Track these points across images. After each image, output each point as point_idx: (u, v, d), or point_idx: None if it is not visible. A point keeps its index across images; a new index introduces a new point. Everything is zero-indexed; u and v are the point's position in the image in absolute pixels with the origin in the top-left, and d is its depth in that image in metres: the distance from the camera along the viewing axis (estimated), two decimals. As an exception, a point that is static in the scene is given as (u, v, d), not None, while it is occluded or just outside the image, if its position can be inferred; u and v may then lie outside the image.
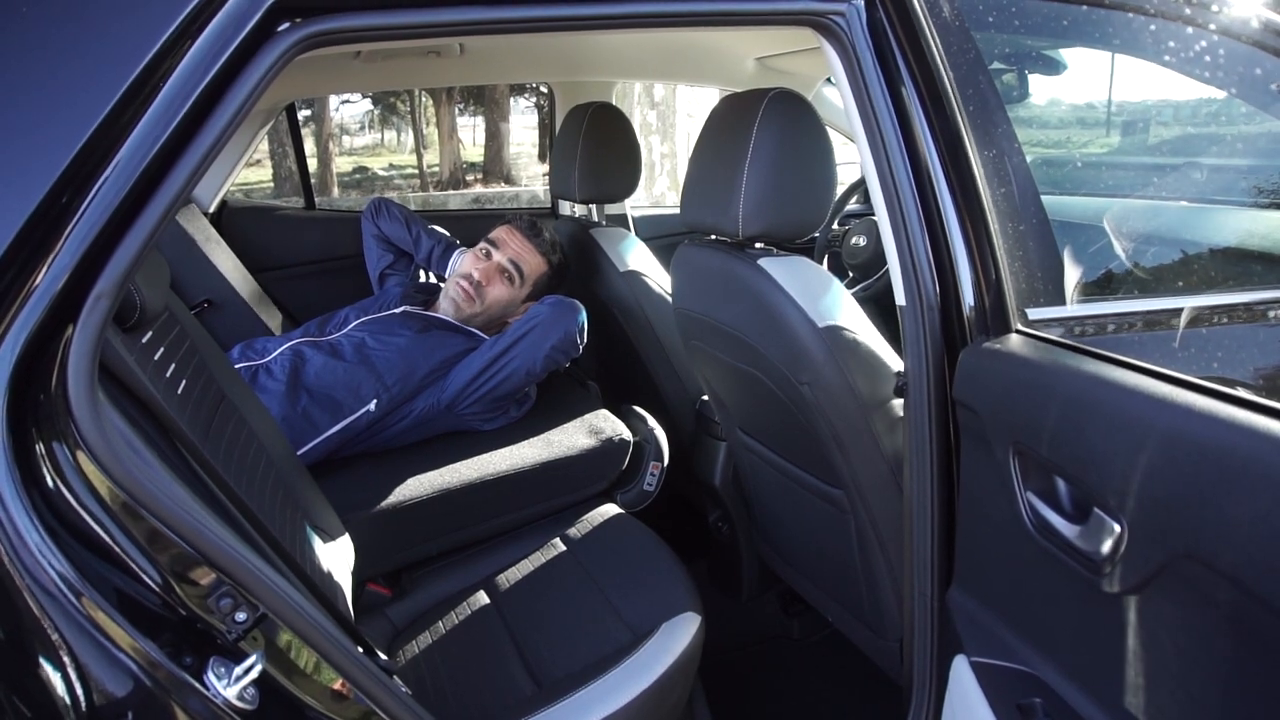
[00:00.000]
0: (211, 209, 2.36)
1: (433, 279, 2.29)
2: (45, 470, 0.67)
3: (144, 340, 0.97)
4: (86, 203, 0.67)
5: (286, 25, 0.77)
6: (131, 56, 0.68)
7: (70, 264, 0.67)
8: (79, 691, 0.65)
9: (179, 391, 1.01)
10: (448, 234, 2.24)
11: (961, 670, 1.03)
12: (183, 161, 0.72)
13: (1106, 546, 0.78)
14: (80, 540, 0.68)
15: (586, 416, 1.85)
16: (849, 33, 1.02)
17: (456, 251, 2.16)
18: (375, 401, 1.67)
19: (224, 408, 1.15)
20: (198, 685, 0.70)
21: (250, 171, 8.58)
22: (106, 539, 0.69)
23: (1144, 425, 0.75)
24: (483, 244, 2.00)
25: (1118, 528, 0.77)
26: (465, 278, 1.94)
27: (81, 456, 0.68)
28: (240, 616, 0.76)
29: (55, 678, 0.65)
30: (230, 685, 0.72)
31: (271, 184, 8.63)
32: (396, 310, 1.92)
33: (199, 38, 0.71)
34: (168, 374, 1.00)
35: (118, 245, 0.69)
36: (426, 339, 1.81)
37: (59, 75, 0.67)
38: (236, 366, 1.70)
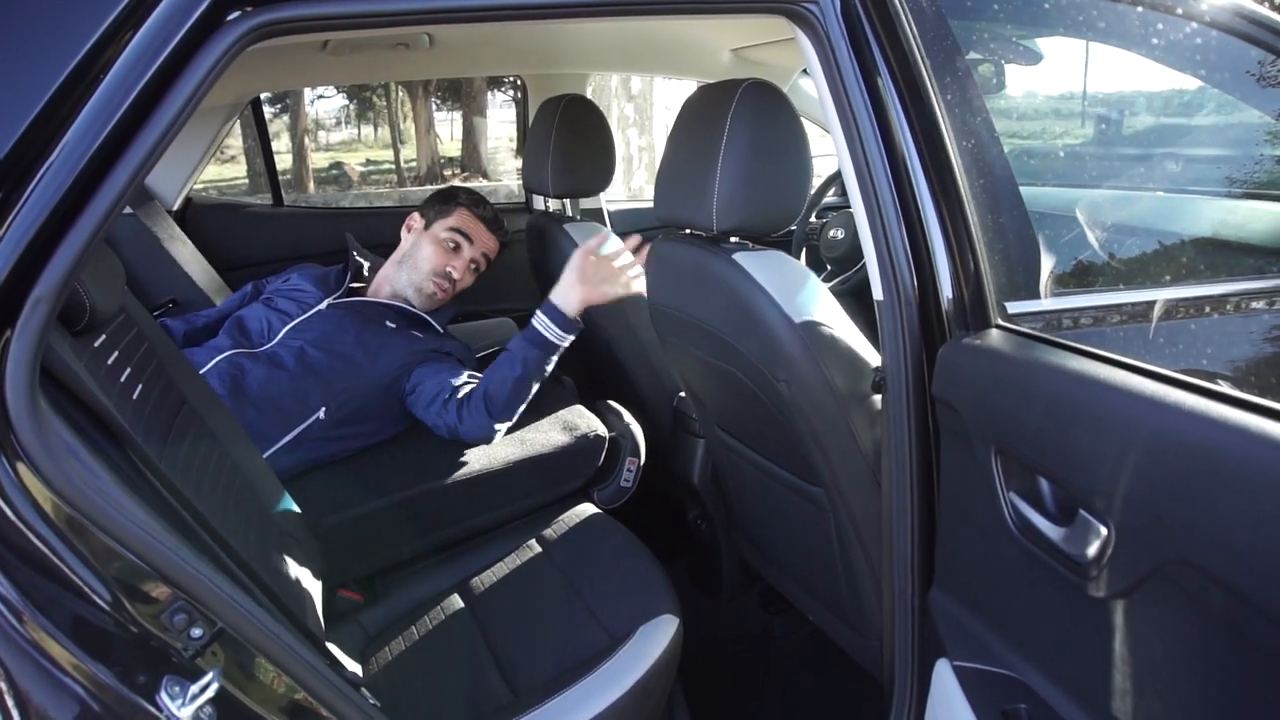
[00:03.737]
0: (176, 206, 2.31)
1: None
2: None
3: (96, 344, 0.93)
4: (23, 199, 0.64)
5: (236, 15, 0.74)
6: (70, 44, 0.65)
7: (6, 265, 0.64)
8: (17, 720, 0.62)
9: (134, 397, 0.98)
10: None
11: (944, 675, 1.01)
12: (128, 156, 0.69)
13: (1093, 549, 0.77)
14: (21, 558, 0.65)
15: (561, 413, 1.82)
16: (823, 22, 1.00)
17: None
18: (324, 409, 1.62)
19: (184, 413, 1.11)
20: (149, 707, 0.67)
21: (225, 167, 8.47)
22: (50, 555, 0.66)
23: (1132, 424, 0.73)
24: (449, 235, 1.91)
25: (1105, 530, 0.75)
26: (443, 277, 1.89)
27: (22, 468, 0.65)
28: (196, 632, 0.73)
29: (-9, 707, 0.61)
30: (185, 705, 0.69)
31: (246, 180, 8.51)
32: (321, 307, 1.79)
33: (142, 26, 0.68)
34: (122, 379, 0.96)
35: (58, 245, 0.67)
36: (369, 339, 1.73)
37: None
38: None
